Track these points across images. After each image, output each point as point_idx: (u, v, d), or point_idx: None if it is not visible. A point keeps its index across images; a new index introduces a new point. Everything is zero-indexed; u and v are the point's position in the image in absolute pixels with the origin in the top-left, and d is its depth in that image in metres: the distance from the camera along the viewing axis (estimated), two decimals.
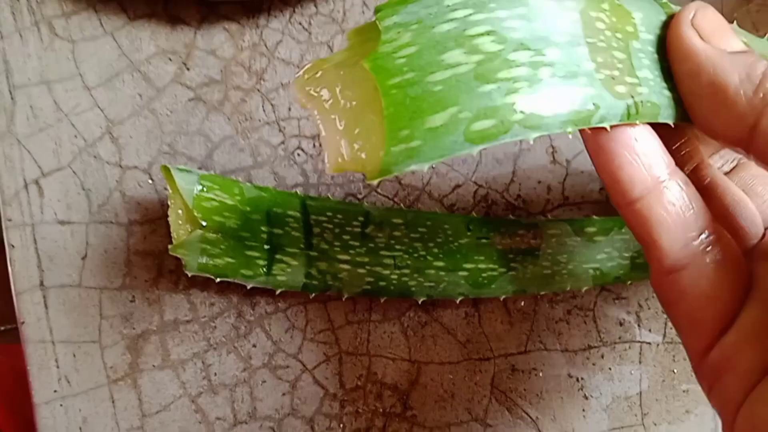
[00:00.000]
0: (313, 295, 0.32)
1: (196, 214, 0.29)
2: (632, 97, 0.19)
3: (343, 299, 0.32)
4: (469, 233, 0.31)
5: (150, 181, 0.33)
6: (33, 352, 0.32)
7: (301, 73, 0.19)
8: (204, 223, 0.29)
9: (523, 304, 0.33)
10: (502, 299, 0.33)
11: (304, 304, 0.33)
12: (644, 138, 0.20)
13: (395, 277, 0.31)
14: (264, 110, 0.34)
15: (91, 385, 0.32)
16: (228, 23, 0.34)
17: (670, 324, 0.34)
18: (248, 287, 0.31)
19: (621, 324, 0.33)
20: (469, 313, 0.33)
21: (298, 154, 0.33)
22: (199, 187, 0.29)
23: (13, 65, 0.33)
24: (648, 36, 0.20)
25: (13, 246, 0.32)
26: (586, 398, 0.33)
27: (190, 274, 0.30)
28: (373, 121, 0.17)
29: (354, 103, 0.18)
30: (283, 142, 0.33)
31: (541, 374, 0.33)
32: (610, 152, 0.20)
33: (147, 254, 0.33)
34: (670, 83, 0.20)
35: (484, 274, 0.31)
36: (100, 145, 0.33)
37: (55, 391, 0.32)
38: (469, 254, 0.31)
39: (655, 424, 0.33)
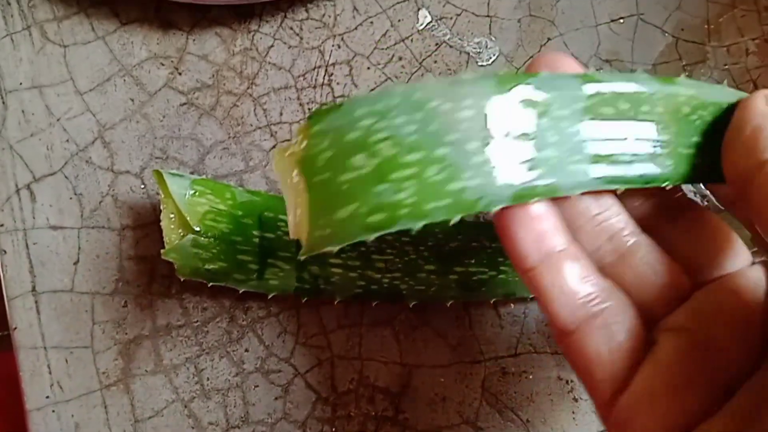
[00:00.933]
0: (305, 299, 0.32)
1: (188, 218, 0.29)
2: (525, 181, 0.20)
3: (335, 303, 0.32)
4: (459, 237, 0.31)
5: (142, 186, 0.33)
6: (25, 358, 0.32)
7: (275, 151, 0.22)
8: (196, 228, 0.29)
9: (513, 307, 0.33)
10: (492, 302, 0.33)
11: (296, 309, 0.33)
12: (540, 216, 0.21)
13: (386, 280, 0.31)
14: (256, 115, 0.34)
15: (83, 391, 0.32)
16: (220, 28, 0.34)
17: None
18: (240, 291, 0.31)
19: None
20: (460, 316, 0.33)
21: None
22: (191, 192, 0.29)
23: (5, 69, 0.33)
24: (562, 112, 0.21)
25: (4, 251, 0.32)
26: (576, 400, 0.33)
27: (182, 279, 0.30)
28: (304, 208, 0.20)
29: (298, 188, 0.21)
30: (274, 147, 0.34)
31: (531, 377, 0.33)
32: (507, 228, 0.22)
33: (139, 259, 0.33)
34: (577, 156, 0.21)
35: (474, 278, 0.31)
36: (92, 150, 0.33)
37: (47, 397, 0.32)
38: (459, 257, 0.31)
39: None
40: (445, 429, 0.33)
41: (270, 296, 0.31)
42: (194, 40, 0.34)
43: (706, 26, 0.35)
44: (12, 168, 0.33)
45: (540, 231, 0.22)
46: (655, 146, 0.22)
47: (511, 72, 0.20)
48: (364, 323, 0.33)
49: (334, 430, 0.33)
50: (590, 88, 0.21)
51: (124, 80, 0.33)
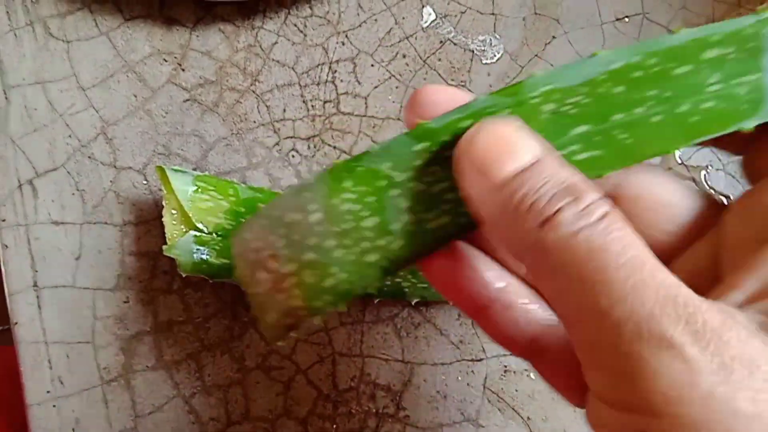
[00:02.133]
0: None
1: (190, 215, 0.29)
2: (385, 257, 0.21)
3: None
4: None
5: (144, 182, 0.33)
6: (26, 352, 0.32)
7: None
8: (199, 224, 0.29)
9: None
10: None
11: None
12: (463, 275, 0.22)
13: (389, 279, 0.31)
14: (259, 111, 0.34)
15: (84, 386, 0.32)
16: (223, 24, 0.34)
17: None
18: (242, 287, 0.31)
19: None
20: (462, 314, 0.33)
21: (293, 156, 0.33)
22: (194, 188, 0.29)
23: (8, 65, 0.33)
24: (403, 175, 0.21)
25: (6, 246, 0.32)
26: None
27: (184, 275, 0.30)
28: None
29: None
30: (277, 144, 0.33)
31: (532, 375, 0.33)
32: (442, 290, 0.23)
33: (141, 255, 0.33)
34: (435, 211, 0.22)
35: None
36: (95, 146, 0.33)
37: (48, 391, 0.32)
38: None
39: None
40: (447, 426, 0.33)
41: None
42: (198, 36, 0.34)
43: None
44: (14, 163, 0.33)
45: (470, 285, 0.22)
46: None
47: (340, 162, 0.21)
48: (366, 320, 0.33)
49: (335, 427, 0.33)
50: (422, 143, 0.21)
51: (127, 76, 0.33)
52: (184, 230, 0.29)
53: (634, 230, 0.17)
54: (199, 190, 0.30)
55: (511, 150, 0.18)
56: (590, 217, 0.17)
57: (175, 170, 0.30)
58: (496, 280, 0.23)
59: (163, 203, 0.30)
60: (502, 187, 0.18)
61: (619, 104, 0.21)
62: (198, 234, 0.29)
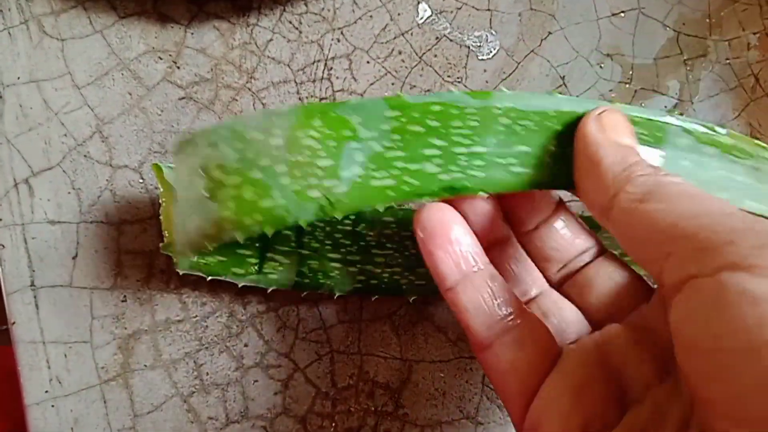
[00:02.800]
0: (305, 294, 0.32)
1: None
2: (326, 196, 0.23)
3: (335, 297, 0.32)
4: None
5: (140, 181, 0.33)
6: (24, 352, 0.32)
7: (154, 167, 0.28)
8: None
9: None
10: None
11: (296, 304, 0.33)
12: (458, 239, 0.24)
13: (386, 275, 0.31)
14: (255, 109, 0.33)
15: (82, 386, 0.32)
16: (218, 22, 0.34)
17: None
18: (239, 285, 0.31)
19: None
20: None
21: None
22: None
23: (2, 64, 0.33)
24: (368, 133, 0.24)
25: (3, 246, 0.32)
26: None
27: (181, 272, 0.30)
28: (170, 222, 0.28)
29: (168, 205, 0.29)
30: None
31: None
32: (429, 251, 0.24)
33: (138, 254, 0.33)
34: (385, 173, 0.24)
35: None
36: (90, 145, 0.33)
37: (46, 391, 0.32)
38: None
39: None
40: (445, 424, 0.33)
41: (269, 290, 0.31)
42: (192, 33, 0.34)
43: (707, 20, 0.35)
44: (10, 162, 0.32)
45: (458, 253, 0.24)
46: (466, 159, 0.24)
47: (317, 103, 0.22)
48: (364, 318, 0.33)
49: (333, 425, 0.33)
50: (394, 111, 0.24)
51: (122, 74, 0.33)
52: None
53: None
54: None
55: (631, 130, 0.24)
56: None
57: (172, 168, 0.30)
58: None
59: (160, 201, 0.29)
60: (623, 146, 0.23)
61: (554, 138, 0.25)
62: None
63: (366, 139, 0.24)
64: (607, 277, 0.26)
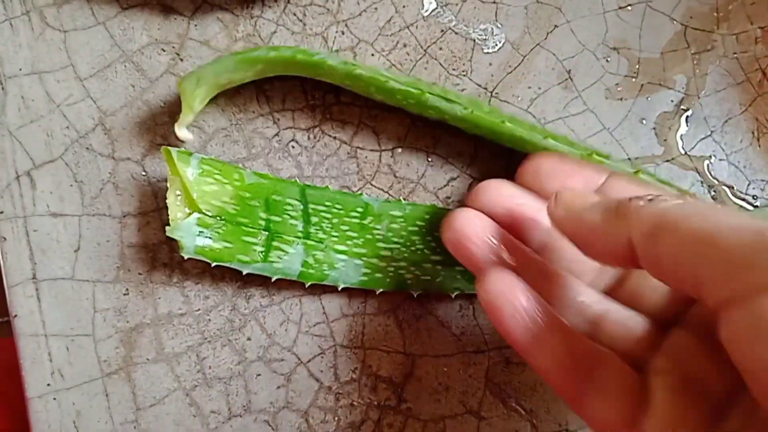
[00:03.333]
0: (308, 285, 0.32)
1: (195, 197, 0.29)
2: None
3: (339, 290, 0.32)
4: None
5: (143, 173, 0.33)
6: (26, 345, 0.32)
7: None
8: (203, 207, 0.29)
9: None
10: None
11: (299, 297, 0.33)
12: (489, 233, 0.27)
13: (392, 269, 0.31)
14: (258, 102, 0.33)
15: (84, 379, 0.32)
16: (222, 13, 0.34)
17: None
18: (243, 273, 0.31)
19: None
20: (464, 305, 0.33)
21: (293, 146, 0.33)
22: (199, 171, 0.30)
23: (4, 55, 0.33)
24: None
25: (4, 238, 0.32)
26: None
27: (185, 257, 0.30)
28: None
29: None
30: (277, 134, 0.33)
31: None
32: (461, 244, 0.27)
33: (140, 247, 0.32)
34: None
35: None
36: (93, 137, 0.33)
37: (48, 384, 0.32)
38: None
39: None
40: (448, 419, 0.33)
41: (273, 279, 0.31)
42: (196, 25, 0.33)
43: (715, 14, 0.35)
44: (12, 154, 0.32)
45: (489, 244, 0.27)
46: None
47: None
48: (367, 312, 0.33)
49: (336, 419, 0.32)
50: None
51: (125, 66, 0.33)
52: (188, 213, 0.30)
53: None
54: (205, 173, 0.30)
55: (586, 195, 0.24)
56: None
57: (181, 152, 0.30)
58: None
59: (168, 185, 0.30)
60: (596, 202, 0.23)
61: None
62: (201, 217, 0.29)
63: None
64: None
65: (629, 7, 0.34)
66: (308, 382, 0.33)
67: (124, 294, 0.32)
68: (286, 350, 0.33)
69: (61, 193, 0.32)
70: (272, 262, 0.30)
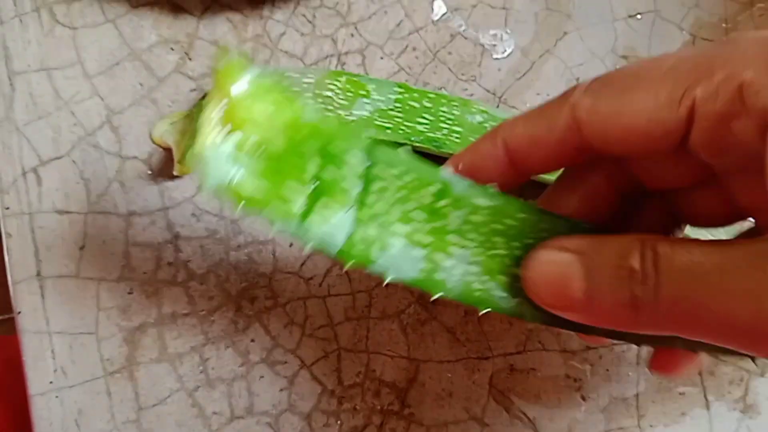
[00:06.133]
0: (312, 285, 0.32)
1: (239, 119, 0.23)
2: (337, 118, 0.32)
3: (384, 284, 0.27)
4: None
5: (150, 172, 0.33)
6: (29, 342, 0.32)
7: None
8: (247, 129, 0.23)
9: None
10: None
11: (304, 300, 0.33)
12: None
13: (458, 272, 0.24)
14: None
15: (87, 377, 0.32)
16: (231, 14, 0.34)
17: None
18: (270, 235, 0.29)
19: None
20: (469, 311, 0.33)
21: None
22: (253, 86, 0.23)
23: (13, 51, 0.32)
24: (379, 97, 0.32)
25: (10, 235, 0.32)
26: (584, 399, 0.33)
27: (203, 193, 0.27)
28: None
29: None
30: None
31: (539, 374, 0.33)
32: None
33: (146, 246, 0.32)
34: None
35: None
36: (100, 135, 0.33)
37: (50, 382, 0.32)
38: None
39: (651, 426, 0.33)
40: (451, 424, 0.33)
41: (307, 249, 0.24)
42: (205, 25, 0.33)
43: (723, 24, 0.35)
44: (19, 151, 0.32)
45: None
46: (447, 132, 0.32)
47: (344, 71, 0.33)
48: (372, 316, 0.33)
49: (339, 423, 0.32)
50: (400, 89, 0.32)
51: (134, 64, 0.33)
52: (228, 132, 0.23)
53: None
54: (259, 90, 0.23)
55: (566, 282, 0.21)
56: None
57: (240, 59, 0.23)
58: None
59: (205, 97, 0.24)
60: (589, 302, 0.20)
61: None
62: (244, 139, 0.23)
63: (375, 100, 0.32)
64: None
65: (639, 16, 0.34)
66: (311, 385, 0.32)
67: (129, 293, 0.32)
68: (290, 353, 0.32)
69: (67, 191, 0.32)
70: (310, 226, 0.24)
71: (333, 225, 0.24)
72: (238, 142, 0.23)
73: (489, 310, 0.24)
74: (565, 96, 0.22)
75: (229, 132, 0.23)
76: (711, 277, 0.17)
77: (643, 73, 0.20)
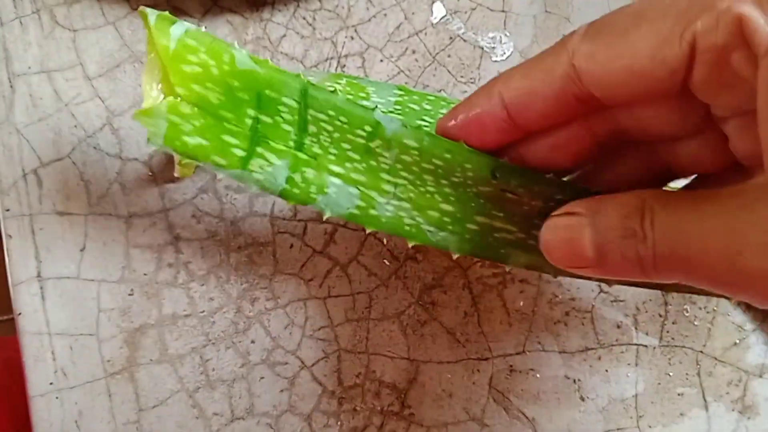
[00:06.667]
0: (311, 285, 0.32)
1: (171, 78, 0.24)
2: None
3: (324, 219, 0.26)
4: (494, 181, 0.25)
5: (150, 174, 0.33)
6: (29, 343, 0.32)
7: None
8: (179, 90, 0.24)
9: (522, 304, 0.33)
10: (501, 300, 0.33)
11: (304, 301, 0.33)
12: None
13: (391, 208, 0.26)
14: None
15: (87, 378, 0.32)
16: (231, 16, 0.34)
17: (666, 327, 0.34)
18: (218, 179, 0.30)
19: (618, 326, 0.34)
20: (469, 312, 0.33)
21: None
22: (182, 44, 0.24)
23: (13, 53, 0.33)
24: (379, 99, 0.31)
25: (10, 236, 0.32)
26: (583, 399, 0.33)
27: (152, 149, 0.27)
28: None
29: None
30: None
31: (538, 375, 0.33)
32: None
33: (146, 247, 0.32)
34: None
35: (496, 234, 0.26)
36: (101, 136, 0.33)
37: (51, 383, 0.32)
38: (486, 205, 0.26)
39: (650, 427, 0.33)
40: (451, 425, 0.33)
41: (252, 191, 0.28)
42: (205, 27, 0.33)
43: None
44: (19, 152, 0.32)
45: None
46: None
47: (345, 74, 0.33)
48: (372, 317, 0.33)
49: (339, 423, 0.32)
50: (400, 91, 0.32)
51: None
52: (162, 96, 0.24)
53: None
54: (188, 48, 0.24)
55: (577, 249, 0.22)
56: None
57: (162, 17, 0.24)
58: None
59: (147, 56, 0.24)
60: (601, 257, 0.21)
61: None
62: (174, 102, 0.24)
63: (375, 102, 0.31)
64: None
65: None
66: (311, 386, 0.33)
67: (129, 294, 0.32)
68: (290, 354, 0.33)
69: (68, 192, 0.32)
70: (252, 171, 0.25)
71: (271, 171, 0.25)
72: (169, 104, 0.24)
73: (416, 243, 0.26)
74: (562, 44, 0.21)
75: (163, 98, 0.24)
76: (692, 234, 0.19)
77: (641, 13, 0.20)
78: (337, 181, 0.26)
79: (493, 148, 0.25)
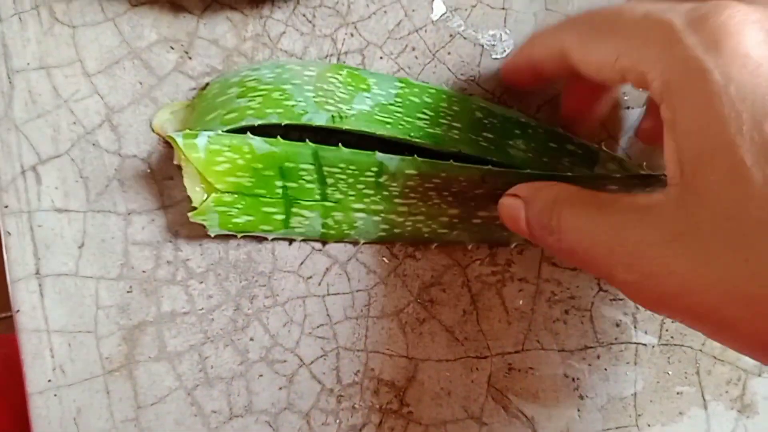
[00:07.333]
0: (312, 283, 0.32)
1: (208, 178, 0.29)
2: (338, 112, 0.31)
3: (361, 244, 0.33)
4: (484, 184, 0.31)
5: (149, 171, 0.33)
6: (27, 341, 0.32)
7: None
8: (218, 186, 0.30)
9: (521, 302, 0.33)
10: (500, 298, 0.33)
11: (303, 299, 0.33)
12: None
13: (409, 224, 0.32)
14: None
15: (86, 376, 0.32)
16: (231, 13, 0.34)
17: (665, 326, 0.34)
18: (270, 239, 0.32)
19: (617, 325, 0.34)
20: (467, 311, 0.33)
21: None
22: (208, 151, 0.30)
23: (12, 49, 0.32)
24: (380, 91, 0.32)
25: (9, 233, 0.32)
26: (582, 398, 0.33)
27: (213, 235, 0.31)
28: (188, 124, 0.32)
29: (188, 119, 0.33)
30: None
31: (537, 373, 0.33)
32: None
33: (145, 244, 0.32)
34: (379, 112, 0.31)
35: (497, 222, 0.32)
36: (100, 133, 0.33)
37: (49, 380, 0.32)
38: (483, 203, 0.32)
39: (649, 425, 0.33)
40: (450, 423, 0.33)
41: (299, 240, 0.31)
42: (205, 24, 0.33)
43: None
44: (18, 149, 0.32)
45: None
46: (447, 128, 0.32)
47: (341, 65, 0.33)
48: (371, 315, 0.33)
49: (338, 421, 0.32)
50: (401, 83, 0.33)
51: (133, 63, 0.33)
52: (205, 195, 0.30)
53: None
54: (214, 152, 0.30)
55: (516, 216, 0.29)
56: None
57: (187, 135, 0.29)
58: None
59: (182, 166, 0.30)
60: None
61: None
62: (218, 196, 0.30)
63: (376, 94, 0.32)
64: None
65: None
66: (310, 384, 0.32)
67: (128, 291, 0.32)
68: (289, 351, 0.32)
69: (67, 189, 0.32)
70: (294, 227, 0.31)
71: (308, 223, 0.32)
72: (215, 199, 0.30)
73: (438, 243, 0.33)
74: (561, 28, 0.28)
75: (207, 196, 0.30)
76: (584, 236, 0.24)
77: (607, 26, 0.25)
78: (361, 215, 0.32)
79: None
